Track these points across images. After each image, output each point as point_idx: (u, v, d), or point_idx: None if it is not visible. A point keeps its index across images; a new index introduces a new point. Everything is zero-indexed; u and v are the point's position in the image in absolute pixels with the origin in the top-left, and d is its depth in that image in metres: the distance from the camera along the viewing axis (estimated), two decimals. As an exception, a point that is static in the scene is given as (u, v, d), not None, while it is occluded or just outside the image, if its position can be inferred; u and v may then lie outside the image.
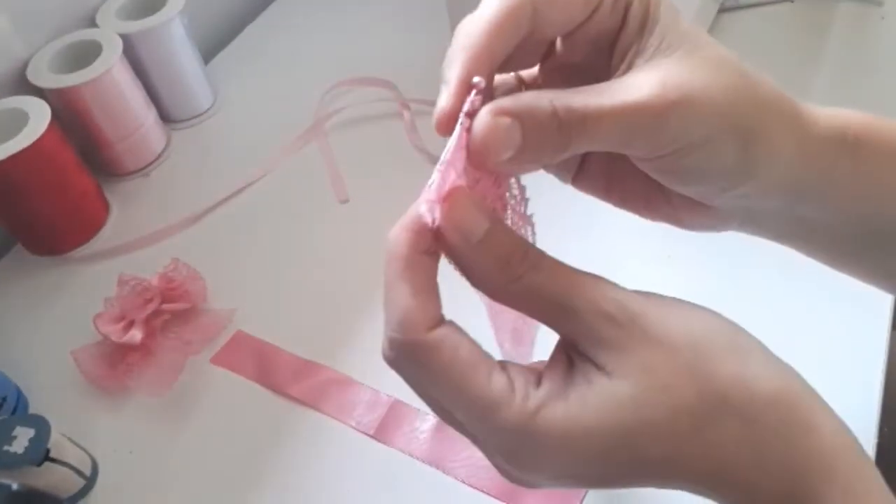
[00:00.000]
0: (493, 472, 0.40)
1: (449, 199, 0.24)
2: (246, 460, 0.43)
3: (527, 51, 0.27)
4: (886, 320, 0.43)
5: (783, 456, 0.24)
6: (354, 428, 0.43)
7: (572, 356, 0.25)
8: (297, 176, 0.60)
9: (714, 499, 0.25)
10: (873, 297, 0.44)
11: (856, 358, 0.41)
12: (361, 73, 0.66)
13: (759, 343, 0.26)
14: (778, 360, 0.26)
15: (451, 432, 0.43)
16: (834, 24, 0.63)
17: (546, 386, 0.24)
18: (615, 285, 0.25)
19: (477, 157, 0.24)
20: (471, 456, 0.41)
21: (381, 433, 0.43)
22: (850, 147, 0.29)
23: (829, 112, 0.29)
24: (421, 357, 0.25)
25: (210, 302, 0.51)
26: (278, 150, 0.61)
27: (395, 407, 0.44)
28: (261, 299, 0.51)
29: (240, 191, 0.59)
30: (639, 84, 0.24)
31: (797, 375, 0.26)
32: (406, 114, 0.62)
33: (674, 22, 0.26)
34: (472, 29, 0.25)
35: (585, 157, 0.31)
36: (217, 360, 0.48)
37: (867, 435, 0.38)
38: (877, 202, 0.30)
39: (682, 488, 0.25)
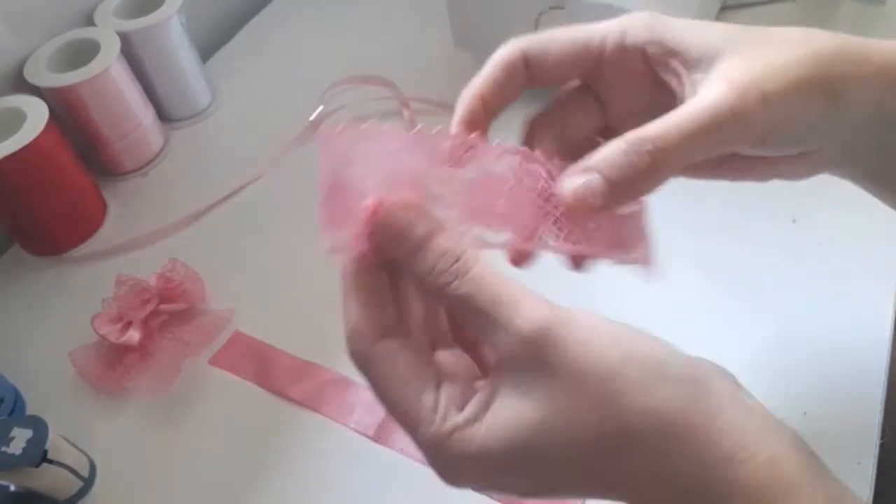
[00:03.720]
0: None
1: (378, 210, 0.26)
2: (244, 462, 0.43)
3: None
4: (888, 319, 0.43)
5: (702, 489, 0.23)
6: (353, 429, 0.43)
7: (495, 376, 0.25)
8: (297, 176, 0.59)
9: None
10: (875, 297, 0.44)
11: (857, 357, 0.41)
12: (361, 73, 0.66)
13: (681, 372, 0.24)
14: (702, 389, 0.24)
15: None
16: (835, 24, 0.62)
17: (468, 409, 0.25)
18: (542, 303, 0.24)
19: (573, 211, 0.27)
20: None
21: (381, 434, 0.43)
22: None
23: (889, 42, 0.29)
24: (363, 365, 0.27)
25: (208, 302, 0.51)
26: (277, 150, 0.61)
27: (395, 408, 0.44)
28: (259, 300, 0.51)
29: (238, 190, 0.59)
30: (704, 95, 0.26)
31: (724, 402, 0.24)
32: (406, 112, 0.62)
33: (700, 32, 0.29)
34: (471, 82, 0.30)
35: None
36: (215, 360, 0.48)
37: (869, 435, 0.38)
38: None
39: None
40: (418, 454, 0.43)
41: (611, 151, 0.26)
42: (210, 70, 0.69)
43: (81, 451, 0.43)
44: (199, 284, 0.50)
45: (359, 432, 0.43)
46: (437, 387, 0.25)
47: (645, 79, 0.30)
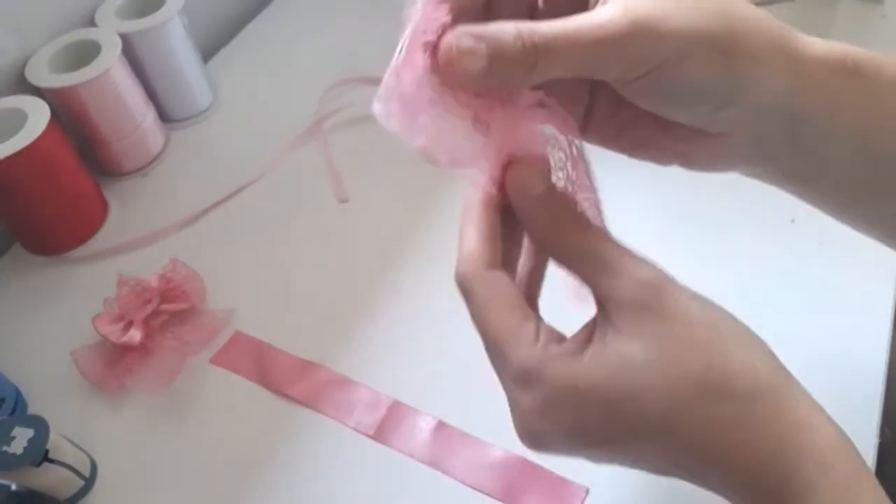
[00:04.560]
0: (493, 471, 0.40)
1: (514, 164, 0.28)
2: (245, 461, 0.43)
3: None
4: (888, 319, 0.43)
5: (780, 446, 0.25)
6: (354, 428, 0.43)
7: (597, 320, 0.27)
8: (297, 176, 0.60)
9: (707, 485, 0.26)
10: (874, 297, 0.44)
11: (857, 357, 0.41)
12: (361, 73, 0.66)
13: (764, 343, 0.27)
14: (780, 362, 0.27)
15: (451, 432, 0.43)
16: (834, 24, 0.63)
17: (566, 345, 0.26)
18: (650, 261, 0.27)
19: (445, 71, 0.26)
20: (470, 456, 0.41)
21: (381, 434, 0.43)
22: (849, 72, 0.29)
23: (826, 42, 0.29)
24: (468, 286, 0.28)
25: (209, 302, 0.51)
26: (278, 150, 0.61)
27: (395, 407, 0.44)
28: (260, 299, 0.51)
29: (239, 191, 0.59)
30: (602, 11, 0.26)
31: (795, 379, 0.27)
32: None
33: None
34: None
35: (590, 108, 0.32)
36: (216, 360, 0.48)
37: (868, 435, 0.38)
38: (881, 132, 0.29)
39: (677, 471, 0.26)
40: (418, 452, 0.44)
41: (502, 31, 0.25)
42: (211, 71, 0.69)
43: (82, 450, 0.43)
44: (199, 284, 0.51)
45: (359, 432, 0.43)
46: (538, 321, 0.27)
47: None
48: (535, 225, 0.28)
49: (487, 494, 0.39)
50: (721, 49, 0.27)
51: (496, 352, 0.28)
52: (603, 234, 0.28)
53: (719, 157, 0.31)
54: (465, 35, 0.26)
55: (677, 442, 0.25)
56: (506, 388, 0.29)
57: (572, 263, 0.28)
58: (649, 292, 0.26)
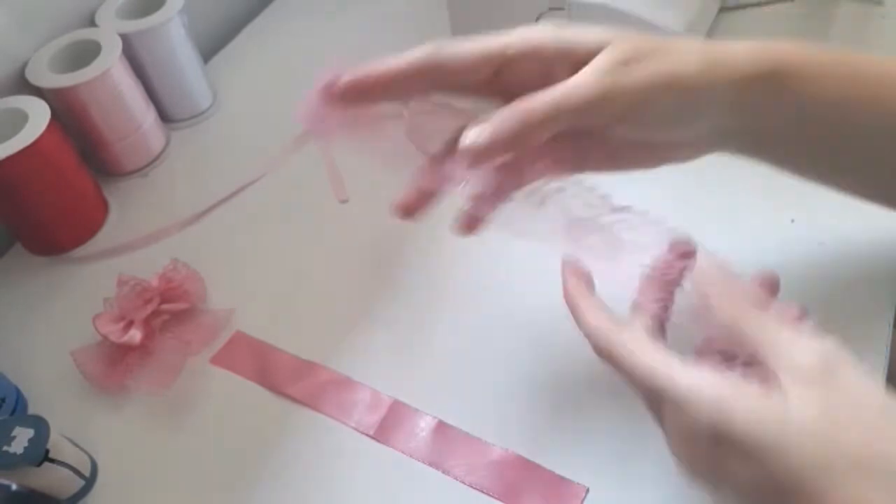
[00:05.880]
0: (493, 471, 0.40)
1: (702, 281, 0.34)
2: (245, 461, 0.43)
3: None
4: (887, 319, 0.43)
5: None
6: (354, 428, 0.43)
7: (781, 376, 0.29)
8: (297, 176, 0.60)
9: None
10: (874, 296, 0.44)
11: (856, 357, 0.41)
12: (361, 73, 0.66)
13: None
14: None
15: (451, 432, 0.43)
16: (834, 24, 0.63)
17: (753, 386, 0.29)
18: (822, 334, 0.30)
19: (468, 154, 0.34)
20: (470, 456, 0.41)
21: (382, 433, 0.43)
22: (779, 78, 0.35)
23: (754, 48, 0.35)
24: (612, 349, 0.32)
25: (209, 302, 0.51)
26: (278, 150, 0.61)
27: (396, 407, 0.44)
28: (260, 300, 0.51)
29: (239, 191, 0.59)
30: (575, 77, 0.33)
31: None
32: (406, 113, 0.62)
33: (596, 32, 0.34)
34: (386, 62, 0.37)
35: (587, 148, 0.37)
36: (216, 360, 0.48)
37: (868, 435, 0.38)
38: (824, 117, 0.36)
39: None
40: (418, 452, 0.44)
41: (498, 112, 0.33)
42: (211, 71, 0.69)
43: (83, 450, 0.43)
44: (200, 284, 0.51)
45: (359, 432, 0.43)
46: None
47: (542, 78, 0.34)
48: (720, 311, 0.32)
49: (487, 494, 0.39)
50: (674, 94, 0.33)
51: (655, 396, 0.30)
52: (774, 314, 0.31)
53: (692, 154, 0.38)
54: (472, 128, 0.34)
55: None
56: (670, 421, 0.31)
57: (750, 341, 0.30)
58: (827, 366, 0.28)
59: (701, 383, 0.29)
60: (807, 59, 0.35)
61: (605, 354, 0.33)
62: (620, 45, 0.33)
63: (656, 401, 0.31)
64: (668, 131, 0.35)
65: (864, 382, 0.28)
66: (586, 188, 0.37)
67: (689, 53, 0.34)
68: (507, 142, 0.33)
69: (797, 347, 0.29)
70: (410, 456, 0.42)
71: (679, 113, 0.34)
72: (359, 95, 0.39)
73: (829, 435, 0.26)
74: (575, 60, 0.34)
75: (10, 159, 0.49)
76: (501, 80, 0.36)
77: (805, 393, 0.27)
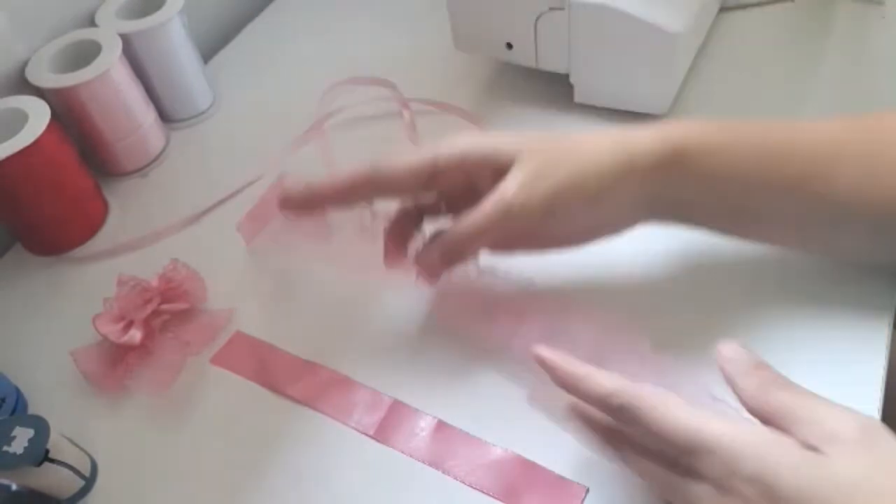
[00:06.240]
0: (493, 471, 0.40)
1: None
2: (245, 461, 0.43)
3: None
4: (887, 319, 0.43)
5: None
6: (354, 428, 0.43)
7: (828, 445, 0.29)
8: (297, 176, 0.60)
9: None
10: (874, 296, 0.44)
11: (856, 357, 0.41)
12: (361, 73, 0.66)
13: None
14: None
15: (451, 432, 0.43)
16: (834, 24, 0.63)
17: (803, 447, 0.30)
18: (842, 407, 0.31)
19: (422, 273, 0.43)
20: (470, 456, 0.41)
21: (381, 434, 0.43)
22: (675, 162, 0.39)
23: (655, 137, 0.39)
24: (637, 404, 0.33)
25: (209, 302, 0.51)
26: (278, 150, 0.61)
27: (395, 407, 0.44)
28: (260, 300, 0.51)
29: (239, 191, 0.59)
30: (488, 199, 0.39)
31: None
32: (406, 113, 0.62)
33: (509, 142, 0.40)
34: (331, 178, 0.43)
35: (516, 242, 0.43)
36: (216, 360, 0.48)
37: (868, 435, 0.38)
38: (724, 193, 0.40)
39: None
40: (418, 452, 0.44)
41: (439, 240, 0.41)
42: (211, 71, 0.70)
43: (83, 450, 0.43)
44: (200, 284, 0.51)
45: (359, 432, 0.43)
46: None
47: (468, 182, 0.41)
48: (745, 394, 0.33)
49: (487, 494, 0.39)
50: (578, 198, 0.39)
51: (695, 445, 0.31)
52: (802, 390, 0.32)
53: (619, 228, 0.42)
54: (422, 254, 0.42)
55: None
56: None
57: (782, 411, 0.31)
58: (869, 432, 0.29)
59: (742, 432, 0.30)
60: (706, 139, 0.39)
61: (630, 412, 0.32)
62: (532, 157, 0.39)
63: (688, 453, 0.31)
64: (585, 223, 0.41)
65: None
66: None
67: (596, 154, 0.39)
68: (449, 262, 0.41)
69: (834, 417, 0.30)
70: (410, 456, 0.42)
71: (591, 209, 0.39)
72: (309, 206, 0.44)
73: (881, 489, 0.27)
74: (496, 168, 0.39)
75: (10, 159, 0.49)
76: (434, 183, 0.41)
77: (850, 454, 0.28)
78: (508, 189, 0.38)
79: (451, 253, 0.41)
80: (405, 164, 0.41)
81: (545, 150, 0.39)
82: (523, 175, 0.38)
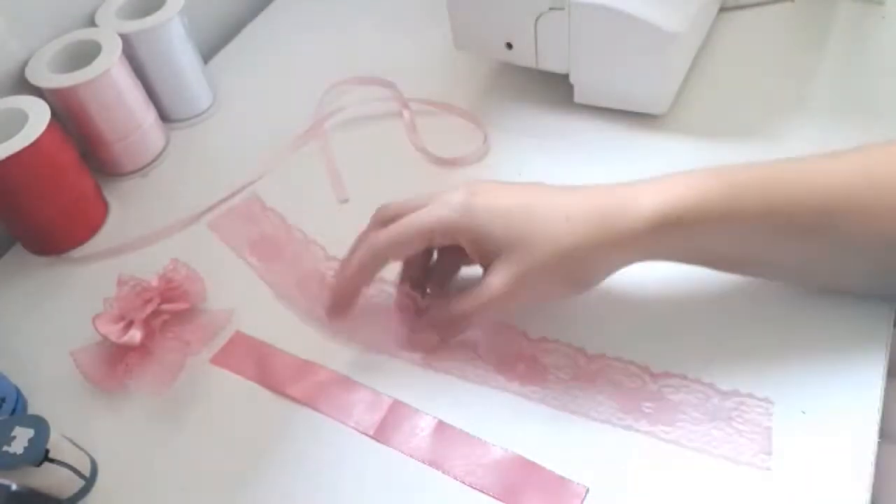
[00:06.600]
0: (493, 471, 0.40)
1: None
2: (245, 461, 0.43)
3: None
4: (887, 319, 0.43)
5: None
6: (354, 428, 0.43)
7: None
8: (297, 176, 0.60)
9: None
10: (874, 296, 0.44)
11: (856, 356, 0.41)
12: (361, 73, 0.66)
13: None
14: None
15: (451, 432, 0.43)
16: (834, 24, 0.63)
17: None
18: None
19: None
20: (470, 456, 0.41)
21: (382, 433, 0.43)
22: (679, 227, 0.39)
23: (649, 208, 0.39)
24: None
25: (209, 302, 0.51)
26: (278, 150, 0.61)
27: (395, 407, 0.44)
28: (260, 300, 0.51)
29: (239, 191, 0.59)
30: (482, 288, 0.41)
31: None
32: (406, 113, 0.62)
33: (501, 226, 0.41)
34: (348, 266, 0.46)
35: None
36: (216, 360, 0.48)
37: (867, 437, 0.38)
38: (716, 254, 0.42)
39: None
40: (418, 452, 0.44)
41: (435, 317, 0.45)
42: (211, 71, 0.69)
43: (83, 450, 0.43)
44: (200, 284, 0.51)
45: (359, 432, 0.43)
46: None
47: (460, 251, 0.43)
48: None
49: (487, 494, 0.39)
50: (566, 284, 0.42)
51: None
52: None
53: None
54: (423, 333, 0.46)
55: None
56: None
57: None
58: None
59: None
60: (705, 209, 0.38)
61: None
62: (514, 251, 0.40)
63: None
64: (576, 291, 0.42)
65: None
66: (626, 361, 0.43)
67: (584, 238, 0.39)
68: (447, 340, 0.45)
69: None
70: (410, 456, 0.42)
71: (580, 285, 0.42)
72: (347, 303, 0.46)
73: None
74: (483, 254, 0.42)
75: (10, 159, 0.49)
76: (431, 246, 0.44)
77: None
78: (494, 286, 0.41)
79: (447, 333, 0.45)
80: (406, 240, 0.43)
81: (531, 245, 0.40)
82: (508, 273, 0.40)
